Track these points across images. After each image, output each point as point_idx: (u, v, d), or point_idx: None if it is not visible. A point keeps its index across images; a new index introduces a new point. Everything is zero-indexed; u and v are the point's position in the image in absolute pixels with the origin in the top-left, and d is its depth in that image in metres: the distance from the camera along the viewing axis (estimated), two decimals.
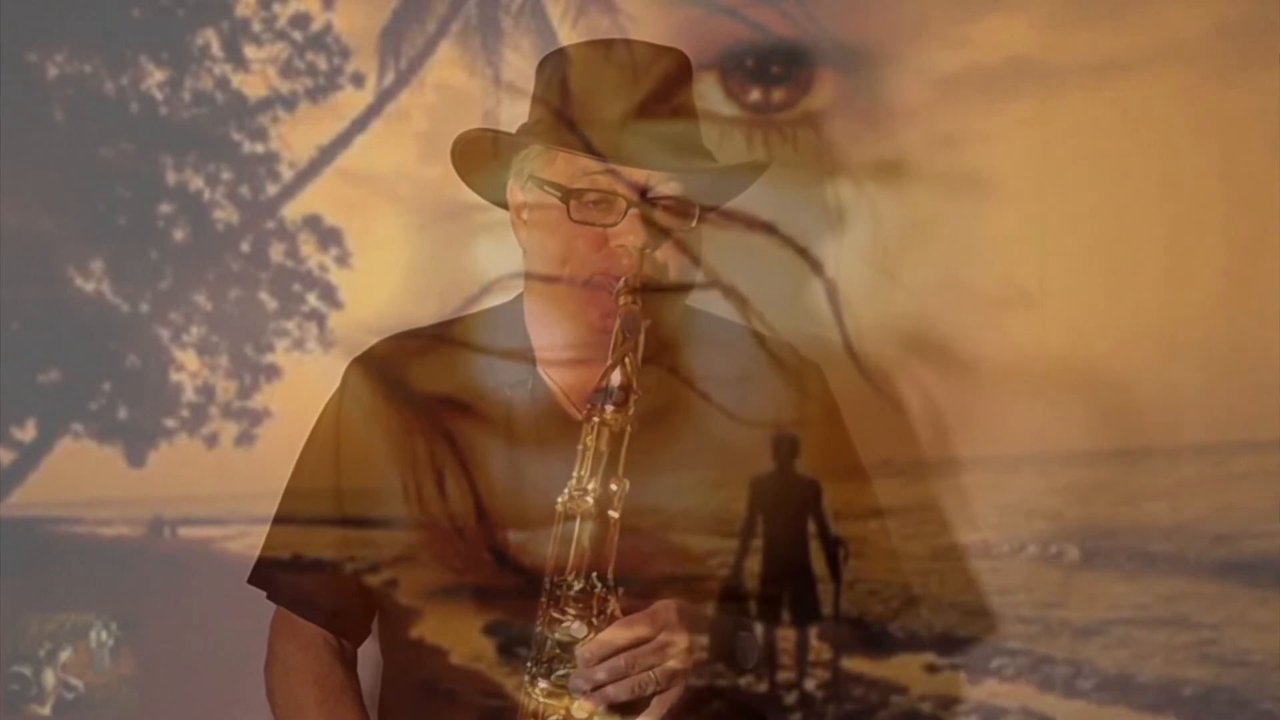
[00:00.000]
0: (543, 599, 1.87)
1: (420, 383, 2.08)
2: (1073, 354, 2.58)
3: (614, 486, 1.85)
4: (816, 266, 2.29)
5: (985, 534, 2.61)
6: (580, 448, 1.86)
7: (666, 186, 1.93)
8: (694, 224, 1.97)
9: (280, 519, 2.15)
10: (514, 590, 1.97)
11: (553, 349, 2.03)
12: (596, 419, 1.85)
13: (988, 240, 2.57)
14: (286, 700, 2.11)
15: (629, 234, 1.92)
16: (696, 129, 2.05)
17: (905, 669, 2.29)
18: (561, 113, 1.98)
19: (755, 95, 2.55)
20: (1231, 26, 2.58)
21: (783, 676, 2.05)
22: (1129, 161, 2.60)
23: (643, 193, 1.92)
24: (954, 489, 2.57)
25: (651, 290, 1.93)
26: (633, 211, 1.92)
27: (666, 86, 1.99)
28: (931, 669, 2.41)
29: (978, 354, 2.55)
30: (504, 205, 2.09)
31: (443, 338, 2.11)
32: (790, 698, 2.08)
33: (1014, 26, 2.58)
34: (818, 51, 2.57)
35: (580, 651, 1.83)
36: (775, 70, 2.55)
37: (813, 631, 2.08)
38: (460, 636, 2.07)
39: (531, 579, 1.92)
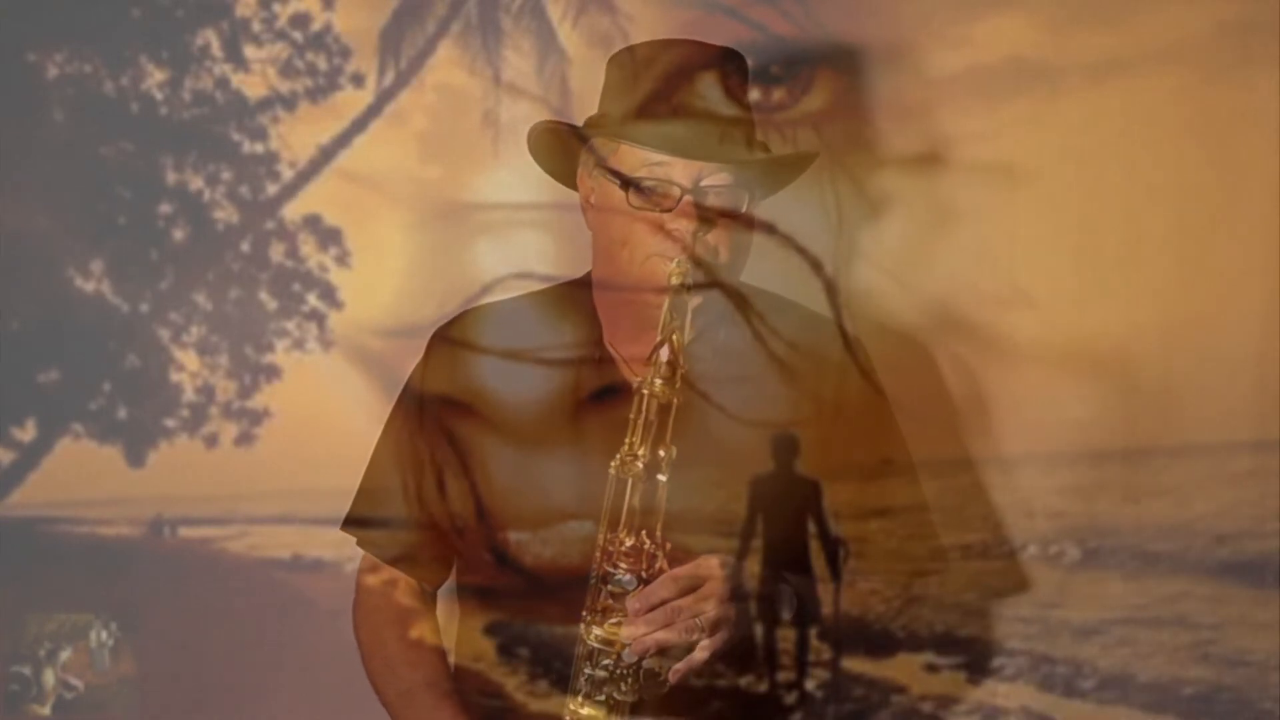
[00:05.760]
0: (597, 554, 2.00)
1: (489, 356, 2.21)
2: (1072, 353, 2.57)
3: (662, 453, 1.99)
4: (816, 265, 2.29)
5: (985, 534, 2.61)
6: (631, 416, 2.00)
7: (718, 177, 2.07)
8: (744, 209, 2.10)
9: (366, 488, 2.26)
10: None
11: (616, 324, 2.16)
12: (646, 391, 2.00)
13: (988, 239, 2.57)
14: (371, 635, 2.26)
15: (682, 219, 2.06)
16: (750, 123, 2.16)
17: (905, 669, 2.30)
18: (623, 107, 2.13)
19: (755, 95, 2.56)
20: (1231, 26, 2.58)
21: (783, 676, 2.09)
22: (1129, 161, 2.60)
23: (696, 182, 2.06)
24: (955, 488, 2.57)
25: (704, 275, 2.07)
26: (686, 199, 2.06)
27: (721, 84, 2.13)
28: (931, 669, 2.41)
29: (978, 353, 2.55)
30: (576, 190, 2.21)
31: (519, 312, 2.25)
32: (790, 698, 2.12)
33: (1014, 26, 2.59)
34: (818, 51, 2.58)
35: (630, 601, 1.96)
36: (775, 70, 2.56)
37: (812, 631, 2.12)
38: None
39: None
